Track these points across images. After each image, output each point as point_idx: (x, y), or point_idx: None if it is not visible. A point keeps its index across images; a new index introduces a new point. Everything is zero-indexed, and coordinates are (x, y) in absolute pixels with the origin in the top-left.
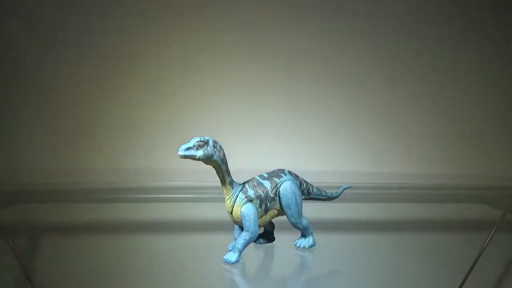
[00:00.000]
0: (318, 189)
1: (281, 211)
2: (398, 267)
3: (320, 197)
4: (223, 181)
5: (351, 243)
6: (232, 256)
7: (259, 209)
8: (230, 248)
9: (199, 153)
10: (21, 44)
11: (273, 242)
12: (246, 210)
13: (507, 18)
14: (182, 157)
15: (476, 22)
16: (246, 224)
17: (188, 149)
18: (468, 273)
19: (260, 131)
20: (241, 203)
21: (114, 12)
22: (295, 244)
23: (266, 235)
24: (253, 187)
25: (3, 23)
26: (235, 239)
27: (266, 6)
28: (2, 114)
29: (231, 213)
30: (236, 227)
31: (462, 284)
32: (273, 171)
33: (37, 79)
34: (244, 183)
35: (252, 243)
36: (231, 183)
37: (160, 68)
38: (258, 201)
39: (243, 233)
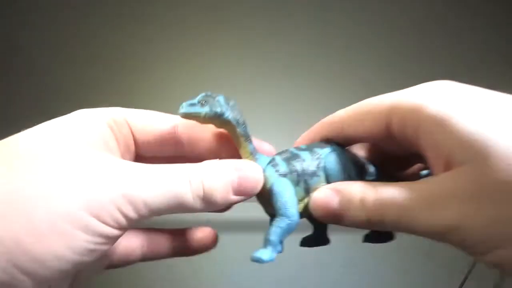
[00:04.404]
0: None
1: None
2: (399, 267)
3: None
4: (242, 150)
5: (351, 243)
6: (263, 253)
7: (297, 188)
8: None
9: (205, 109)
10: (21, 44)
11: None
12: (279, 187)
13: (508, 18)
14: (183, 117)
15: (477, 21)
16: (279, 206)
17: (191, 105)
18: (468, 273)
19: (260, 132)
20: (271, 179)
21: (114, 12)
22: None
23: (317, 236)
24: (287, 159)
25: (3, 23)
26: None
27: (267, 5)
28: (2, 114)
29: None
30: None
31: (462, 284)
32: (314, 143)
33: (37, 79)
34: (273, 157)
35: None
36: (254, 153)
37: (160, 68)
38: (293, 176)
39: (277, 219)
